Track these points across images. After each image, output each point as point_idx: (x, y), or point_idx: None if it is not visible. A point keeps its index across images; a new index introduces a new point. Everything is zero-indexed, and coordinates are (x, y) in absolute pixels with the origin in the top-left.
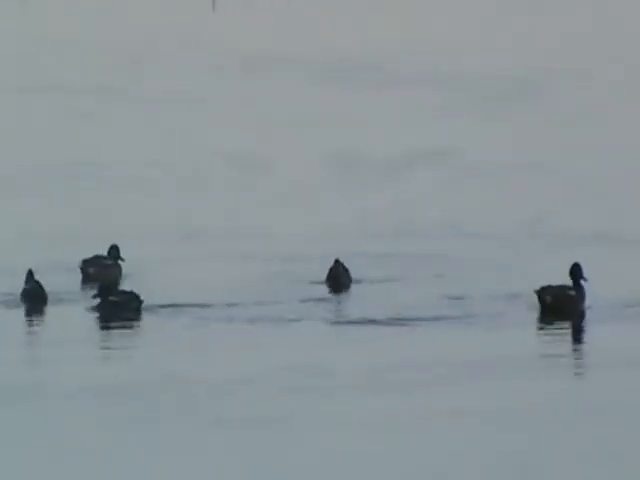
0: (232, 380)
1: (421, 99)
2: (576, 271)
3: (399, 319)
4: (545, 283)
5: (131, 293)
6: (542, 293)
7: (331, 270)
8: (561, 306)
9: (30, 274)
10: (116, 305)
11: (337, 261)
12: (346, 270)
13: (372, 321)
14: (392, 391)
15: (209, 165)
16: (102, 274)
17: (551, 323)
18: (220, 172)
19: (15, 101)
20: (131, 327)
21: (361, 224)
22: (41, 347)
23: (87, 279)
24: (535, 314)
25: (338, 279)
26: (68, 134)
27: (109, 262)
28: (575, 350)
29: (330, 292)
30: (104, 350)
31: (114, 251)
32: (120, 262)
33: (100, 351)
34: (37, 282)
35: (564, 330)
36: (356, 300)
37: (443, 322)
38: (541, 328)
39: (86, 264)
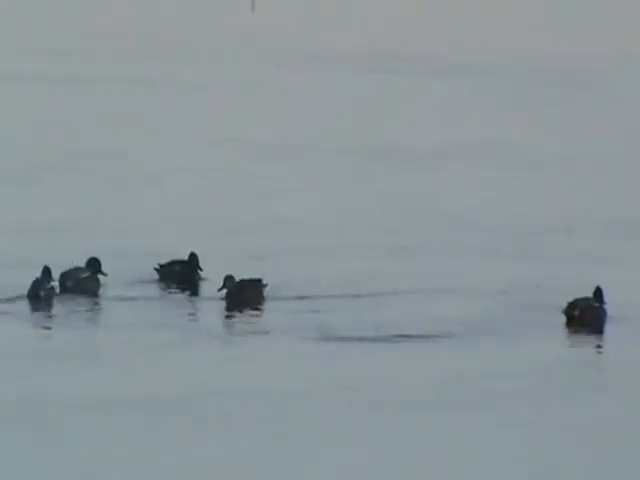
0: (255, 393)
1: (475, 90)
2: (598, 295)
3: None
4: (573, 296)
5: None
6: (569, 309)
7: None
8: (588, 318)
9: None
10: None
11: (227, 278)
12: (248, 286)
13: (391, 334)
14: (415, 408)
15: (247, 154)
16: (79, 287)
17: (579, 335)
18: (260, 162)
19: (48, 91)
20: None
21: (400, 216)
22: (42, 357)
23: (65, 292)
24: (563, 325)
25: (231, 297)
26: (101, 124)
27: (87, 274)
28: (604, 363)
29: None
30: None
31: (94, 263)
32: (101, 276)
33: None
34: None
35: (593, 343)
36: (374, 309)
37: (471, 333)
38: (570, 340)
39: (63, 277)
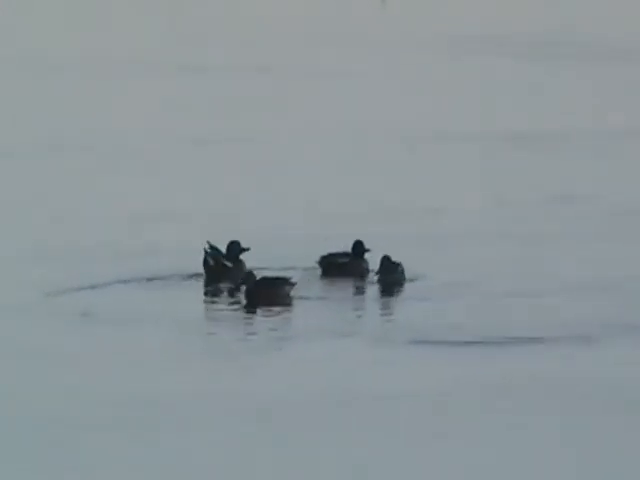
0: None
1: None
2: None
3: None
4: None
5: None
6: None
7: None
8: None
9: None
10: None
11: (248, 274)
12: (267, 284)
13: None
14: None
15: (391, 141)
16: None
17: None
18: (400, 149)
19: (175, 80)
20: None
21: (543, 203)
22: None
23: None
24: None
25: (250, 295)
26: (226, 110)
27: (344, 260)
28: None
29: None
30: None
31: (358, 246)
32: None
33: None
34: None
35: None
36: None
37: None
38: None
39: (322, 260)
